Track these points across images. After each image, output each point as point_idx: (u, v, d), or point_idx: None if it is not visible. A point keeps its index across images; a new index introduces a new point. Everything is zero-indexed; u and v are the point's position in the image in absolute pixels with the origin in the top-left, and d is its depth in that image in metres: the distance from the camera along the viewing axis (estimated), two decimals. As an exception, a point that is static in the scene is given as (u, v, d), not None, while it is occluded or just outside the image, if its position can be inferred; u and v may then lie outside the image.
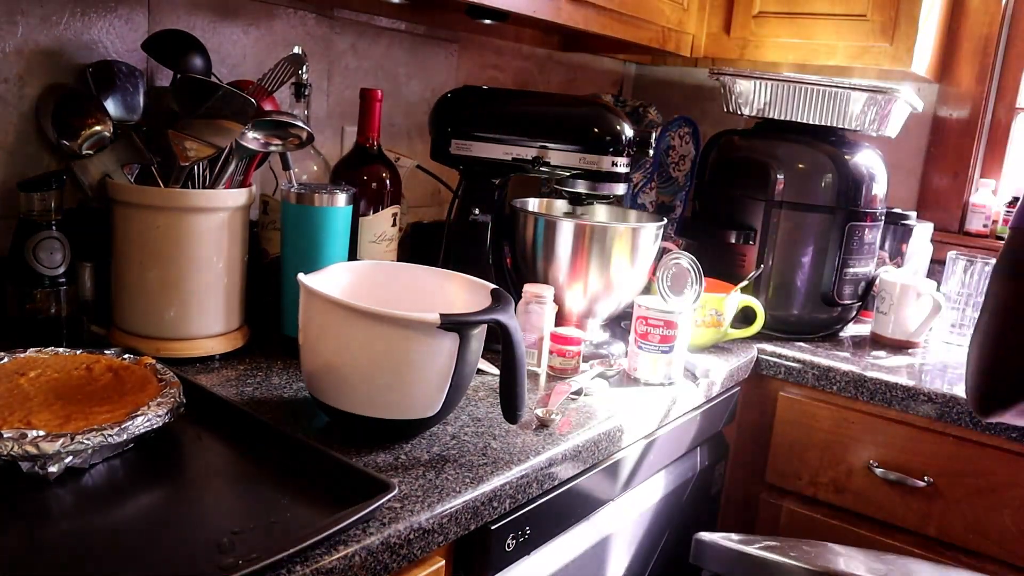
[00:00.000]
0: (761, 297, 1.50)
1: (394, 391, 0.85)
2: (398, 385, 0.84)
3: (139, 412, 0.77)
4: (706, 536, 1.14)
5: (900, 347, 1.54)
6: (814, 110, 1.51)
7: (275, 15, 1.35)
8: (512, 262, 1.35)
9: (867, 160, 1.51)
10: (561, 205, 1.45)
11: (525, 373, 0.88)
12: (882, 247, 1.64)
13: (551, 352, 1.16)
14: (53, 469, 0.71)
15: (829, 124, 1.50)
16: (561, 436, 0.95)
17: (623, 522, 1.13)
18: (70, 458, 0.72)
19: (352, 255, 1.16)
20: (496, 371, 1.12)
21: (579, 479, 1.00)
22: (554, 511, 0.96)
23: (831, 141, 1.52)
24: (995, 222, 2.12)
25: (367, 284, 0.99)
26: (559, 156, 1.25)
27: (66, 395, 0.80)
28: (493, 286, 0.94)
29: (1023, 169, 1.90)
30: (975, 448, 1.29)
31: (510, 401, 0.88)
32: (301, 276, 0.89)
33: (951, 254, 1.60)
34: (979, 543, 1.31)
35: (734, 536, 1.14)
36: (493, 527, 0.86)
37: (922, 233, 1.75)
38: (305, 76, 1.20)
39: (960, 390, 1.34)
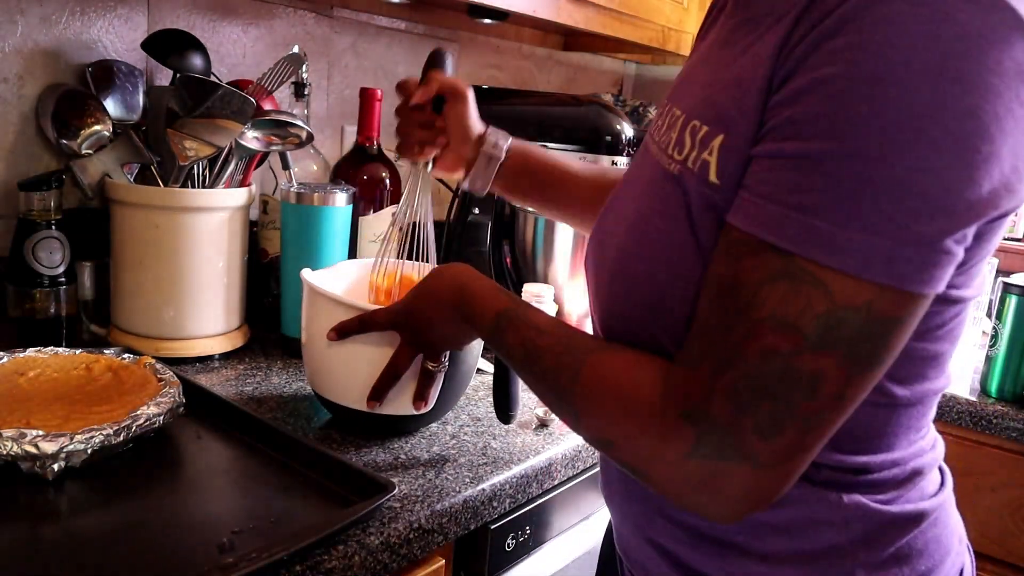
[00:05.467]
0: (761, 297, 1.50)
1: (394, 387, 0.85)
2: (398, 381, 0.84)
3: (138, 412, 0.77)
4: None
5: (900, 347, 1.53)
6: (814, 110, 1.51)
7: (275, 14, 1.35)
8: (512, 262, 1.35)
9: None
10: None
11: None
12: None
13: (551, 352, 1.16)
14: (53, 469, 0.71)
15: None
16: (561, 436, 0.95)
17: (623, 522, 1.13)
18: (69, 458, 0.71)
19: (352, 255, 1.16)
20: (496, 371, 1.12)
21: (579, 479, 1.00)
22: (554, 511, 0.96)
23: (831, 141, 1.52)
24: (995, 222, 2.11)
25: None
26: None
27: (65, 395, 0.80)
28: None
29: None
30: (975, 448, 1.29)
31: (503, 401, 0.87)
32: (304, 273, 0.89)
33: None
34: (979, 543, 1.31)
35: None
36: (493, 527, 0.86)
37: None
38: (305, 75, 1.20)
39: (960, 389, 1.34)
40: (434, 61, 0.90)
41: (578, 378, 0.58)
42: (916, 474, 0.61)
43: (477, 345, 0.89)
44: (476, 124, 0.91)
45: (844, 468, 0.58)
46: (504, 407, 0.87)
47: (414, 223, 0.91)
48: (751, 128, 0.51)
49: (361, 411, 0.86)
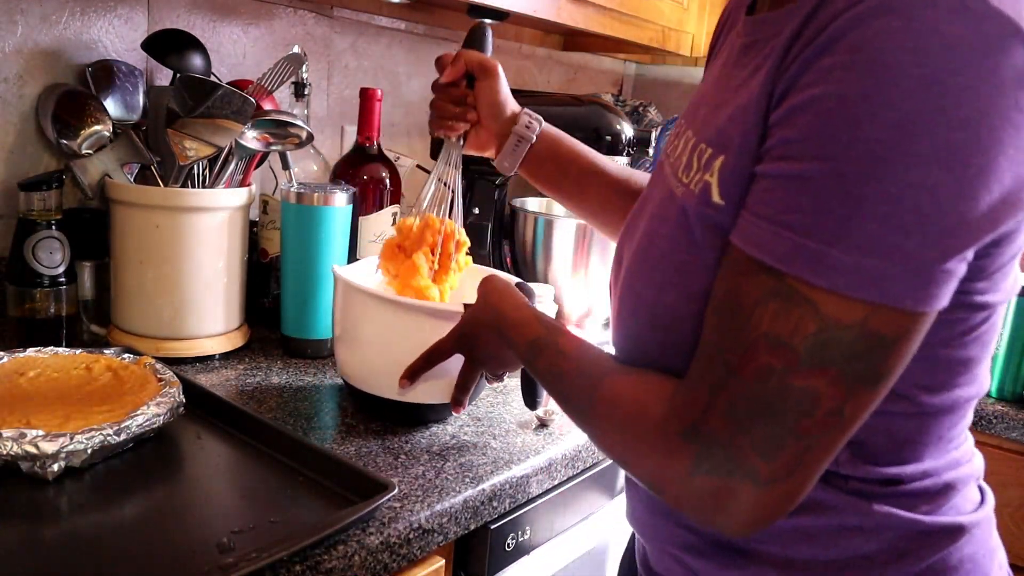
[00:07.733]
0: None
1: (425, 377, 0.87)
2: (429, 371, 0.87)
3: (138, 412, 0.77)
4: None
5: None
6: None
7: (275, 14, 1.35)
8: (512, 262, 1.35)
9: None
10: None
11: None
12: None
13: (551, 352, 1.16)
14: (53, 469, 0.71)
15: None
16: (561, 436, 0.95)
17: (623, 522, 1.13)
18: (69, 458, 0.71)
19: (352, 255, 1.16)
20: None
21: (579, 479, 1.00)
22: (554, 511, 0.96)
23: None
24: (995, 222, 2.10)
25: None
26: (559, 156, 1.25)
27: (65, 395, 0.80)
28: (517, 279, 0.95)
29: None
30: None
31: (531, 388, 0.90)
32: (336, 268, 0.93)
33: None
34: (979, 543, 1.31)
35: None
36: (493, 527, 0.86)
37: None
38: (305, 75, 1.20)
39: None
40: (473, 36, 0.93)
41: (593, 402, 0.60)
42: (950, 488, 0.59)
43: None
44: (508, 103, 0.92)
45: (874, 480, 0.57)
46: (531, 394, 0.90)
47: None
48: (752, 148, 0.51)
49: (394, 401, 0.90)
